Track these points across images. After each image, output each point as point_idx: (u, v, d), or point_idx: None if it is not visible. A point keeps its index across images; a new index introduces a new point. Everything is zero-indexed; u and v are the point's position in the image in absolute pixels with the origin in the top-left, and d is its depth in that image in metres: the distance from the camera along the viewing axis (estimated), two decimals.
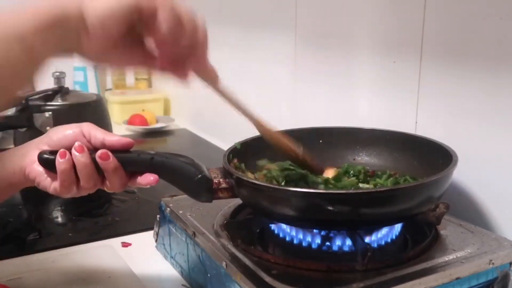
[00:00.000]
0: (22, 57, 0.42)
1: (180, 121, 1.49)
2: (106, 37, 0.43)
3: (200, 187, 0.56)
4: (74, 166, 0.53)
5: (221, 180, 0.57)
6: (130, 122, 1.42)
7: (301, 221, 0.55)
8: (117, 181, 0.54)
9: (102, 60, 0.47)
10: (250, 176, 0.63)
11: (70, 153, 0.53)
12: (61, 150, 0.53)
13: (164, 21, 0.44)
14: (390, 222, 0.56)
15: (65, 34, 0.42)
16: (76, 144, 0.53)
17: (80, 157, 0.53)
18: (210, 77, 0.52)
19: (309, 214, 0.52)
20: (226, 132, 1.19)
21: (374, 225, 0.55)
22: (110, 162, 0.53)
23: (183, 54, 0.47)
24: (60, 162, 0.53)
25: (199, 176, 0.56)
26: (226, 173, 0.58)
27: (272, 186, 0.56)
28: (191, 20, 0.46)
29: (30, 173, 0.55)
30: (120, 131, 1.39)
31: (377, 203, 0.51)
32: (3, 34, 0.41)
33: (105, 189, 0.56)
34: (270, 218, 0.59)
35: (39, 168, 0.55)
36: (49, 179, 0.55)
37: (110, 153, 0.53)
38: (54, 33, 0.42)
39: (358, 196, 0.52)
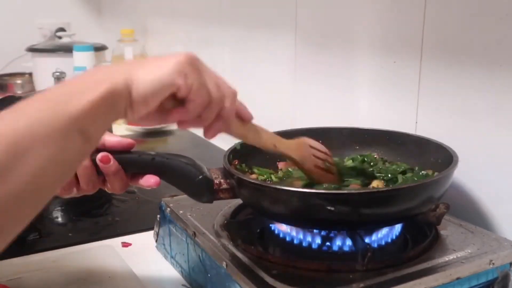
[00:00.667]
0: (81, 147, 0.41)
1: None
2: (147, 110, 0.45)
3: (201, 188, 0.56)
4: None
5: (222, 180, 0.57)
6: (130, 122, 1.42)
7: (301, 221, 0.55)
8: (117, 183, 0.54)
9: (141, 122, 0.48)
10: (253, 176, 0.63)
11: None
12: None
13: (193, 105, 0.46)
14: (391, 222, 0.56)
15: (114, 109, 0.43)
16: None
17: None
18: (240, 133, 0.54)
19: (309, 214, 0.52)
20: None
21: (375, 225, 0.55)
22: (111, 166, 0.53)
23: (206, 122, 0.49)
24: None
25: (200, 177, 0.56)
26: (226, 174, 0.57)
27: (273, 186, 0.56)
28: (222, 98, 0.48)
29: None
30: (120, 131, 1.39)
31: (377, 203, 0.51)
32: (63, 121, 0.39)
33: (106, 189, 0.56)
34: (271, 218, 0.59)
35: None
36: None
37: (111, 156, 0.53)
38: (105, 112, 0.42)
39: (358, 196, 0.52)
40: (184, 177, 0.55)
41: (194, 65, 0.46)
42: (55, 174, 0.40)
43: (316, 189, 0.57)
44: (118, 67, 0.46)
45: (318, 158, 0.61)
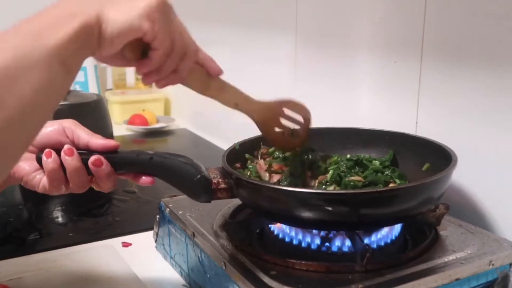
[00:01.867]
0: (64, 77, 0.42)
1: (180, 121, 1.49)
2: (113, 51, 0.45)
3: (199, 188, 0.56)
4: (62, 165, 0.53)
5: (220, 180, 0.57)
6: (130, 122, 1.42)
7: (300, 222, 0.55)
8: (108, 184, 0.54)
9: (105, 62, 0.49)
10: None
11: (56, 151, 0.53)
12: (46, 150, 0.53)
13: (156, 54, 0.47)
14: (390, 223, 0.56)
15: (89, 42, 0.44)
16: (66, 147, 0.53)
17: (70, 161, 0.52)
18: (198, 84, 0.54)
19: (308, 215, 0.52)
20: (226, 132, 1.19)
21: (374, 226, 0.55)
22: (104, 169, 0.53)
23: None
24: (47, 162, 0.52)
25: (198, 176, 0.55)
26: (225, 173, 0.57)
27: (271, 186, 0.56)
28: (182, 50, 0.49)
29: (17, 171, 0.55)
30: (121, 131, 1.39)
31: (376, 203, 0.51)
32: (42, 54, 0.40)
33: (94, 187, 0.56)
34: (270, 218, 0.59)
35: (26, 167, 0.54)
36: (37, 177, 0.55)
37: (103, 160, 0.53)
38: (81, 45, 0.43)
39: (357, 197, 0.52)
40: (182, 176, 0.55)
41: (164, 11, 0.46)
42: (42, 103, 0.41)
43: (315, 189, 0.57)
44: (91, 1, 0.45)
45: (284, 124, 0.60)
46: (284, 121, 0.61)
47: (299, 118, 0.61)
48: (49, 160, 0.52)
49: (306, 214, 0.52)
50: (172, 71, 0.49)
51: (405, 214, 0.55)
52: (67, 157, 0.52)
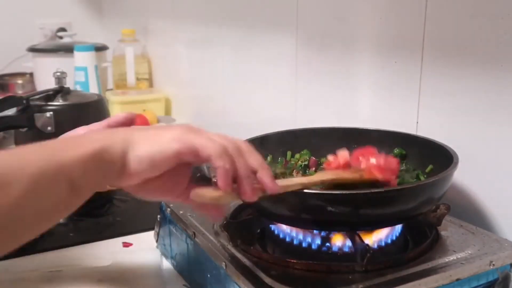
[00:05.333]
0: (68, 196, 0.43)
1: (181, 121, 1.49)
2: (144, 179, 0.46)
3: (198, 186, 0.56)
4: None
5: None
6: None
7: (299, 222, 0.55)
8: None
9: (139, 193, 0.50)
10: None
11: None
12: None
13: (216, 160, 0.46)
14: (390, 223, 0.56)
15: (105, 168, 0.44)
16: None
17: None
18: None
19: (307, 215, 0.52)
20: (226, 132, 1.19)
21: (374, 226, 0.55)
22: None
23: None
24: None
25: (198, 175, 0.56)
26: None
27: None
28: (229, 141, 0.48)
29: None
30: None
31: (376, 204, 0.51)
32: (51, 171, 0.41)
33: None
34: (269, 218, 0.59)
35: None
36: None
37: None
38: (95, 168, 0.44)
39: (357, 197, 0.52)
40: None
41: (192, 130, 0.47)
42: (33, 213, 0.41)
43: (314, 189, 0.57)
44: (118, 130, 0.48)
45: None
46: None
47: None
48: None
49: (305, 214, 0.52)
50: (252, 172, 0.47)
51: (406, 215, 0.55)
52: None
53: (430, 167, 0.63)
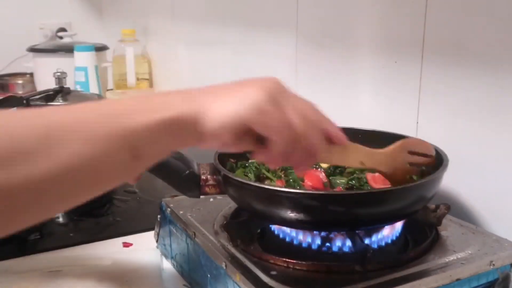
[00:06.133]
0: (129, 163, 0.40)
1: None
2: (219, 144, 0.43)
3: (187, 183, 0.57)
4: None
5: (209, 176, 0.58)
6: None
7: (287, 222, 0.55)
8: None
9: (228, 149, 0.47)
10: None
11: None
12: None
13: (275, 145, 0.43)
14: (386, 221, 0.56)
15: (177, 137, 0.42)
16: None
17: None
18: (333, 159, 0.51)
19: (295, 215, 0.52)
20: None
21: (370, 225, 0.55)
22: None
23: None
24: None
25: (187, 172, 0.57)
26: (215, 170, 0.58)
27: (256, 184, 0.56)
28: (306, 128, 0.44)
29: None
30: None
31: (370, 203, 0.52)
32: (115, 130, 0.38)
33: None
34: (259, 218, 0.59)
35: None
36: None
37: None
38: (164, 137, 0.41)
39: (352, 197, 0.53)
40: (172, 171, 0.56)
41: (276, 100, 0.42)
42: (86, 177, 0.39)
43: (302, 189, 0.58)
44: (189, 94, 0.43)
45: (414, 164, 0.57)
46: (409, 163, 0.57)
47: (423, 153, 0.58)
48: None
49: (293, 214, 0.52)
50: (304, 154, 0.45)
51: (401, 213, 0.55)
52: None
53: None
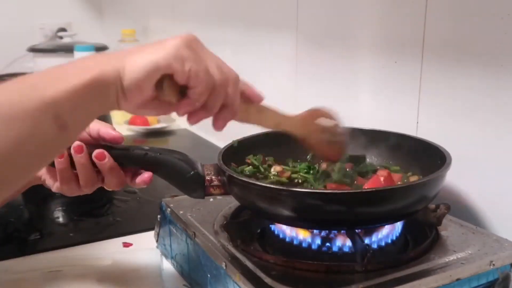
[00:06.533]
0: (57, 133, 0.39)
1: (181, 121, 1.49)
2: (143, 98, 0.43)
3: (192, 184, 0.57)
4: (72, 163, 0.54)
5: (213, 177, 0.58)
6: (131, 122, 1.42)
7: (291, 221, 0.55)
8: (113, 179, 0.55)
9: (139, 113, 0.47)
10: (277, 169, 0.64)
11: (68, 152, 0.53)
12: None
13: (195, 92, 0.44)
14: (387, 221, 0.56)
15: (101, 98, 0.41)
16: (75, 143, 0.53)
17: (79, 158, 0.53)
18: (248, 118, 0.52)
19: (299, 214, 0.53)
20: (226, 132, 1.19)
21: (371, 224, 0.55)
22: (106, 162, 0.54)
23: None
24: (59, 162, 0.54)
25: (192, 172, 0.56)
26: (219, 170, 0.58)
27: (262, 184, 0.56)
28: (224, 83, 0.46)
29: None
30: (121, 131, 1.37)
31: (371, 202, 0.52)
32: (34, 104, 0.37)
33: (105, 187, 0.56)
34: (263, 217, 0.59)
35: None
36: (53, 177, 0.55)
37: (106, 153, 0.54)
38: (88, 100, 0.40)
39: (352, 196, 0.52)
40: (176, 172, 0.56)
41: (192, 48, 0.43)
42: (20, 156, 0.38)
43: (307, 188, 0.58)
44: (111, 55, 0.43)
45: (324, 132, 0.59)
46: (322, 130, 0.60)
47: (333, 120, 0.60)
48: (60, 161, 0.53)
49: (296, 213, 0.53)
50: (222, 107, 0.46)
51: (401, 213, 0.55)
52: (76, 155, 0.53)
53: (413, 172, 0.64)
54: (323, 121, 0.60)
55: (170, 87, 0.44)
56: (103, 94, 0.41)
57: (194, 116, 0.47)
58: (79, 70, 0.40)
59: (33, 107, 0.38)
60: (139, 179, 0.56)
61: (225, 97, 0.46)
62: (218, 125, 0.48)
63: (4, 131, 0.37)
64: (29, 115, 0.38)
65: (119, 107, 0.43)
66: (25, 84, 0.39)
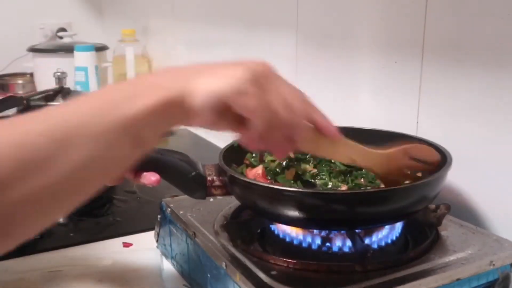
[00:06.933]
0: (130, 150, 0.40)
1: None
2: (204, 123, 0.43)
3: (193, 184, 0.57)
4: None
5: (215, 177, 0.58)
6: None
7: (292, 221, 0.55)
8: None
9: (211, 128, 0.46)
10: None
11: None
12: None
13: (254, 125, 0.43)
14: (387, 221, 0.56)
15: (170, 118, 0.42)
16: None
17: None
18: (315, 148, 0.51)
19: (301, 214, 0.52)
20: (227, 132, 1.19)
21: (371, 224, 0.55)
22: None
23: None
24: None
25: (193, 173, 0.56)
26: (221, 171, 0.58)
27: (264, 184, 0.56)
28: (289, 116, 0.44)
29: None
30: None
31: (372, 202, 0.52)
32: (115, 129, 0.38)
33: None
34: (265, 217, 0.59)
35: None
36: None
37: None
38: (160, 119, 0.41)
39: (353, 196, 0.52)
40: (177, 173, 0.56)
41: (258, 82, 0.42)
42: (96, 172, 0.39)
43: (309, 189, 0.58)
44: (176, 73, 0.43)
45: (413, 169, 0.56)
46: (408, 168, 0.56)
47: (426, 161, 0.56)
48: None
49: (299, 213, 0.52)
50: (285, 140, 0.46)
51: (402, 213, 0.55)
52: None
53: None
54: (416, 161, 0.56)
55: (230, 116, 0.43)
56: (171, 113, 0.41)
57: (253, 144, 0.46)
58: (150, 88, 0.41)
59: (114, 125, 0.38)
60: (146, 180, 0.56)
61: (289, 133, 0.45)
62: (278, 155, 0.49)
63: (86, 151, 0.37)
64: (109, 132, 0.38)
65: (184, 124, 0.44)
66: (102, 101, 0.40)
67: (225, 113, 0.43)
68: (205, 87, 0.42)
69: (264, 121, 0.43)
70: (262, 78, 0.43)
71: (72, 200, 0.40)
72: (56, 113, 0.39)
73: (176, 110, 0.41)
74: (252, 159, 0.67)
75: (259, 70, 0.43)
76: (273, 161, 0.64)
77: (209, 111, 0.42)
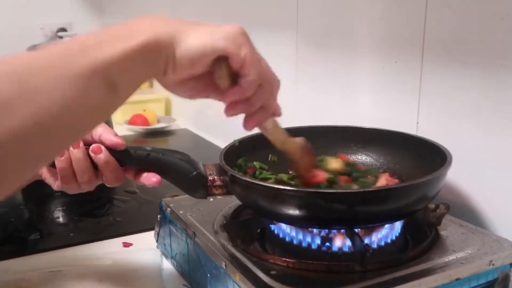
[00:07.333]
0: (106, 95, 0.38)
1: (181, 121, 1.49)
2: (190, 73, 0.43)
3: (194, 184, 0.57)
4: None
5: (215, 177, 0.58)
6: (131, 122, 1.43)
7: (293, 220, 0.55)
8: (110, 175, 0.55)
9: (176, 90, 0.46)
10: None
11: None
12: None
13: (247, 81, 0.44)
14: (387, 220, 0.56)
15: (152, 62, 0.41)
16: None
17: (76, 153, 0.54)
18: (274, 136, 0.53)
19: (302, 213, 0.52)
20: (227, 132, 1.19)
21: (372, 223, 0.55)
22: (102, 156, 0.54)
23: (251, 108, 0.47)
24: (59, 161, 0.54)
25: (194, 173, 0.57)
26: (221, 170, 0.58)
27: (264, 184, 0.56)
28: (271, 81, 0.47)
29: None
30: (122, 131, 1.39)
31: (372, 201, 0.52)
32: (85, 71, 0.36)
33: (105, 184, 0.57)
34: (265, 216, 0.59)
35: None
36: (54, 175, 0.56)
37: (102, 147, 0.54)
38: (140, 64, 0.40)
39: (353, 195, 0.52)
40: (178, 173, 0.56)
41: (249, 39, 0.44)
42: (68, 119, 0.37)
43: (310, 188, 0.58)
44: (166, 19, 0.42)
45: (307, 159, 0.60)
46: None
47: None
48: (61, 159, 0.54)
49: (300, 212, 0.52)
50: (260, 106, 0.47)
51: (401, 212, 0.55)
52: (73, 149, 0.54)
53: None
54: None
55: (226, 70, 0.44)
56: (155, 58, 0.41)
57: (234, 108, 0.47)
58: (133, 32, 0.40)
59: (86, 68, 0.37)
60: (146, 180, 0.56)
61: (268, 97, 0.47)
62: (250, 125, 0.49)
63: (54, 94, 0.35)
64: (81, 75, 0.36)
65: (164, 76, 0.43)
66: (79, 45, 0.38)
67: (213, 67, 0.43)
68: (200, 37, 0.42)
69: (257, 74, 0.44)
70: (247, 36, 0.45)
71: (45, 150, 0.37)
72: (23, 56, 0.37)
73: (158, 54, 0.40)
74: (242, 163, 0.67)
75: (244, 30, 0.45)
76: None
77: (202, 61, 0.42)
